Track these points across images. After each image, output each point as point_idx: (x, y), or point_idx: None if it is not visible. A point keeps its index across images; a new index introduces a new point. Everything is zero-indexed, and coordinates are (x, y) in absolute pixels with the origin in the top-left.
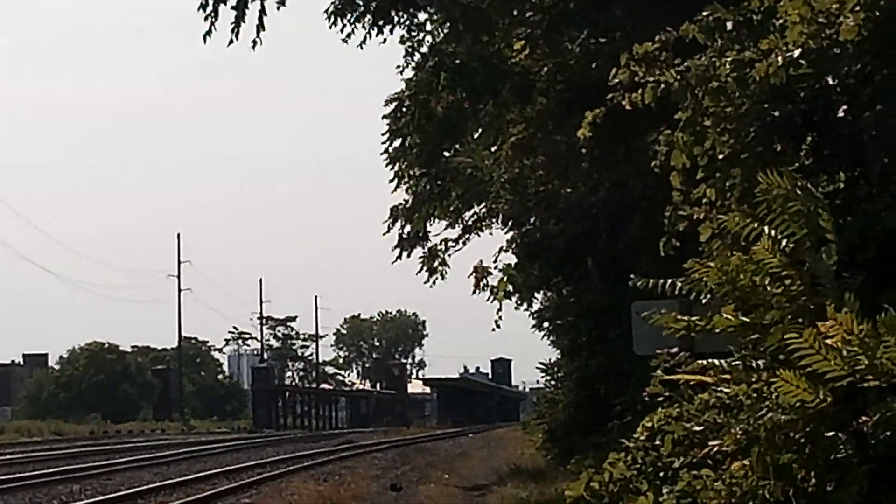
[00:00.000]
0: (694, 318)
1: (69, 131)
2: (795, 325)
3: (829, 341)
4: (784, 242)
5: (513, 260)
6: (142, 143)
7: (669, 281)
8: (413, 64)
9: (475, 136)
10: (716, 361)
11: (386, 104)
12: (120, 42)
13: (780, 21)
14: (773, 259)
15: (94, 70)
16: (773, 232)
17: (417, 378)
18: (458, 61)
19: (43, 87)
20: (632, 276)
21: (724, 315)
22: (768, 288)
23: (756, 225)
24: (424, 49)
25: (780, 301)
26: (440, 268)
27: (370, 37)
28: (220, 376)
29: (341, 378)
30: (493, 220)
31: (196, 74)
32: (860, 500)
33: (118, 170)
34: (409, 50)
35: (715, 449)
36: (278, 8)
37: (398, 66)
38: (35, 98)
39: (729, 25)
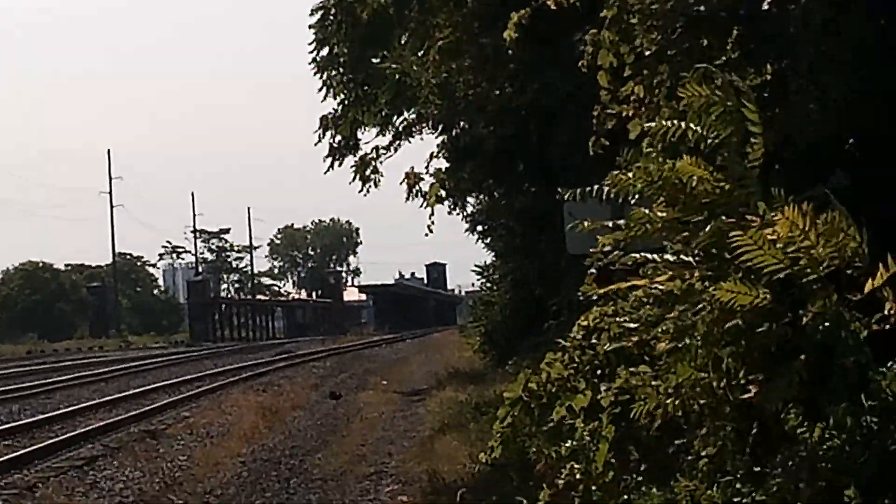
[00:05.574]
0: (623, 222)
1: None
2: (726, 223)
3: (770, 235)
4: (709, 141)
5: (444, 165)
6: (71, 55)
7: (597, 187)
8: None
9: (402, 41)
10: (648, 256)
11: (312, 13)
12: None
13: None
14: (697, 169)
15: None
16: (698, 129)
17: (353, 286)
18: None
19: None
20: (559, 189)
21: (657, 212)
22: (695, 187)
23: (682, 125)
24: None
25: (709, 200)
26: (373, 176)
27: None
28: (155, 291)
29: (277, 288)
30: (424, 125)
31: None
32: (797, 391)
33: (41, 83)
34: None
35: (651, 342)
36: None
37: None
38: None
39: None
